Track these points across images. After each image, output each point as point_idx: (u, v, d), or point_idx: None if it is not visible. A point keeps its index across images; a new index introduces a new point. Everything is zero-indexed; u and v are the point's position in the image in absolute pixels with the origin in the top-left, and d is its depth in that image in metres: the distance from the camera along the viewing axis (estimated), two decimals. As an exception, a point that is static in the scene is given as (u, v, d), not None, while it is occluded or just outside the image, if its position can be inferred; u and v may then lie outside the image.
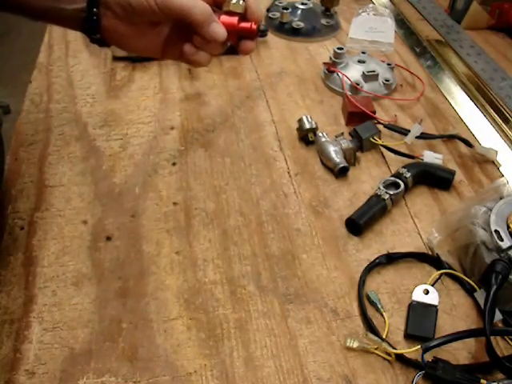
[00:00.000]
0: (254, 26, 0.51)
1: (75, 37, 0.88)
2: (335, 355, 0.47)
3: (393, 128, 0.69)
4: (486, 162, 0.67)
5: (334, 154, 0.64)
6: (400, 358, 0.46)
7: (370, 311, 0.50)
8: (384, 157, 0.67)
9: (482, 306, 0.48)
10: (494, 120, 0.75)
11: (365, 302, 0.51)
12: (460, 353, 0.47)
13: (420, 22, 0.98)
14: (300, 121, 0.68)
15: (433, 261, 0.55)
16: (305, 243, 0.56)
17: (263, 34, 0.87)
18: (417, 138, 0.68)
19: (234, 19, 0.51)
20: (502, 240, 0.50)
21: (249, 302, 0.51)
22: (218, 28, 0.49)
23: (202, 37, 0.50)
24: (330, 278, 0.53)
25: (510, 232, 0.51)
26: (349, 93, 0.74)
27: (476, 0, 0.93)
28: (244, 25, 0.51)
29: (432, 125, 0.73)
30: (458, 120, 0.74)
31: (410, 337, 0.48)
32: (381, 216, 0.59)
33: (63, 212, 0.59)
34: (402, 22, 0.97)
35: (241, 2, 0.50)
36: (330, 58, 0.79)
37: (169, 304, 0.50)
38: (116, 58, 0.82)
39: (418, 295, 0.51)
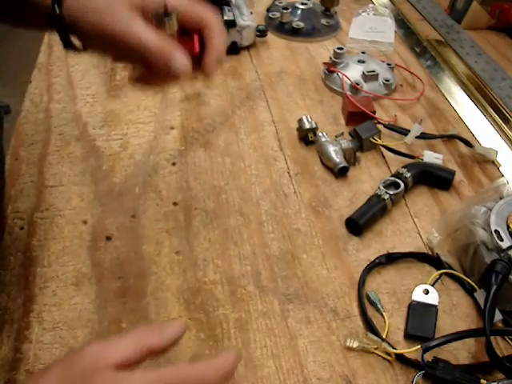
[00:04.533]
0: (197, 48, 0.43)
1: (75, 37, 0.88)
2: (335, 355, 0.47)
3: (393, 128, 0.69)
4: (486, 162, 0.67)
5: (334, 153, 0.64)
6: (400, 358, 0.46)
7: (370, 311, 0.50)
8: (384, 157, 0.67)
9: (482, 306, 0.48)
10: (494, 120, 0.75)
11: (365, 301, 0.51)
12: (460, 353, 0.47)
13: (420, 22, 0.98)
14: (300, 121, 0.68)
15: (433, 261, 0.55)
16: (305, 243, 0.56)
17: (263, 33, 0.87)
18: (417, 137, 0.68)
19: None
20: (501, 240, 0.50)
21: (249, 302, 0.51)
22: (183, 59, 0.42)
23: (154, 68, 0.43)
24: (329, 278, 0.53)
25: (510, 232, 0.51)
26: (349, 93, 0.74)
27: (476, 0, 0.93)
28: (185, 40, 0.43)
29: (432, 125, 0.73)
30: (458, 120, 0.74)
31: (410, 337, 0.48)
32: (381, 216, 0.59)
33: (63, 212, 0.59)
34: (402, 22, 0.97)
35: (172, 20, 0.42)
36: (330, 58, 0.79)
37: (169, 304, 0.50)
38: (116, 58, 0.82)
39: (418, 295, 0.51)
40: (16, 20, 0.49)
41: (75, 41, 0.45)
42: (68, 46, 0.46)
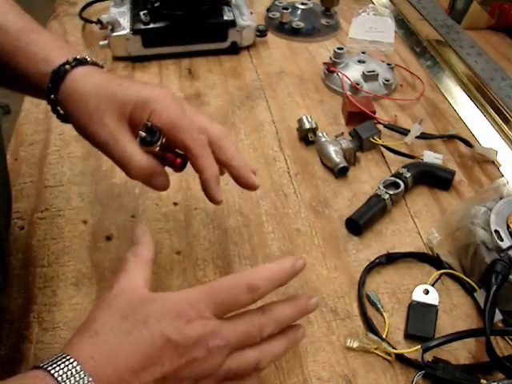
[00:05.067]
0: (178, 162, 0.45)
1: (75, 37, 0.88)
2: (335, 355, 0.47)
3: (393, 128, 0.69)
4: (486, 162, 0.67)
5: (334, 153, 0.64)
6: (400, 358, 0.46)
7: (370, 311, 0.50)
8: (384, 157, 0.67)
9: (482, 306, 0.48)
10: (494, 120, 0.75)
11: (365, 301, 0.51)
12: (460, 353, 0.47)
13: (420, 22, 0.98)
14: (300, 121, 0.68)
15: (433, 261, 0.55)
16: (305, 243, 0.56)
17: (263, 33, 0.87)
18: (417, 138, 0.68)
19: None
20: (501, 240, 0.50)
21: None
22: (163, 181, 0.44)
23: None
24: (329, 278, 0.53)
25: (510, 232, 0.51)
26: (349, 93, 0.74)
27: (476, 0, 0.93)
28: (169, 157, 0.44)
29: (432, 125, 0.73)
30: (458, 120, 0.74)
31: (410, 337, 0.48)
32: (381, 216, 0.59)
33: (63, 212, 0.59)
34: (402, 22, 0.97)
35: (156, 139, 0.42)
36: (330, 58, 0.79)
37: (169, 304, 0.50)
38: (116, 58, 0.82)
39: (418, 295, 0.51)
40: (12, 87, 0.51)
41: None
42: (63, 119, 0.48)
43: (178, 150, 0.45)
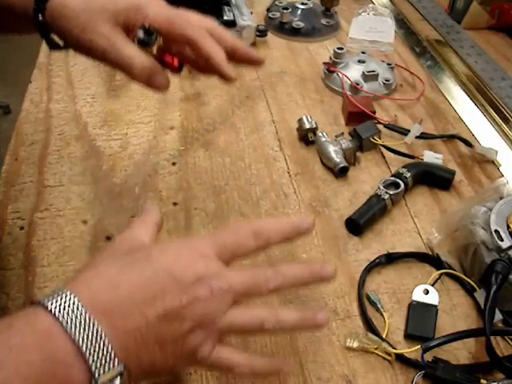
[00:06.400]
0: (176, 64, 0.46)
1: (75, 37, 0.87)
2: (335, 355, 0.47)
3: (393, 128, 0.69)
4: (486, 162, 0.67)
5: (334, 153, 0.64)
6: (400, 358, 0.46)
7: (370, 311, 0.50)
8: (384, 157, 0.67)
9: (482, 306, 0.48)
10: (494, 120, 0.75)
11: (365, 301, 0.51)
12: (460, 353, 0.47)
13: (420, 22, 0.98)
14: (300, 121, 0.68)
15: (433, 261, 0.55)
16: (305, 243, 0.56)
17: (263, 33, 0.87)
18: (417, 137, 0.68)
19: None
20: (502, 240, 0.50)
21: (249, 302, 0.51)
22: (164, 80, 0.44)
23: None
24: (329, 278, 0.53)
25: (510, 232, 0.51)
26: (349, 93, 0.74)
27: (476, 0, 0.93)
28: (167, 58, 0.46)
29: (432, 125, 0.73)
30: (458, 120, 0.74)
31: (410, 337, 0.48)
32: (381, 216, 0.59)
33: (63, 212, 0.59)
34: (402, 22, 0.97)
35: (154, 41, 0.44)
36: (330, 58, 0.79)
37: (169, 304, 0.50)
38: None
39: (418, 295, 0.51)
40: None
41: (58, 40, 0.46)
42: (52, 46, 0.46)
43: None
